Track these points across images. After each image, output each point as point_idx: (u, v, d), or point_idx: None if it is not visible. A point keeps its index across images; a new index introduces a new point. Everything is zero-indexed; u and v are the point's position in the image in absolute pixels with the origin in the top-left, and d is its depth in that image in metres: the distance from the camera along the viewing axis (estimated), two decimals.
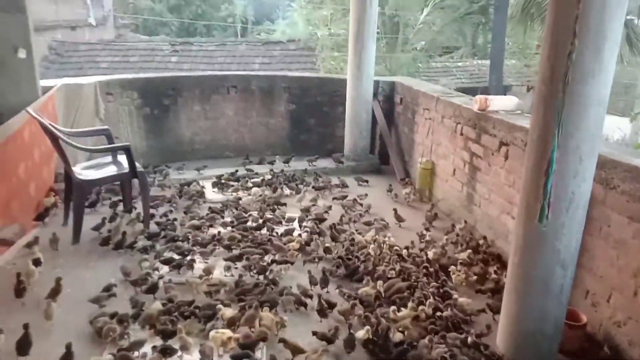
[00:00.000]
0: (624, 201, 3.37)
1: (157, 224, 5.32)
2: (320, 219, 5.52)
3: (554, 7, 2.90)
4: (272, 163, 7.63)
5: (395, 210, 5.82)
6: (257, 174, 7.07)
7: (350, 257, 4.68)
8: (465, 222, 5.50)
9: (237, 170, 7.07)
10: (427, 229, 5.49)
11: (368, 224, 5.53)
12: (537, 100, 3.05)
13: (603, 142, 3.32)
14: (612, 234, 3.50)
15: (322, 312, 3.78)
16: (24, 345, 3.18)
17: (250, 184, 6.66)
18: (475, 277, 4.41)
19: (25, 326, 3.23)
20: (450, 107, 5.95)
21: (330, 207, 5.91)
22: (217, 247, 4.80)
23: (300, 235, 5.14)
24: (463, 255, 4.74)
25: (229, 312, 3.65)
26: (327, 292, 4.15)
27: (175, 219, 5.44)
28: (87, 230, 5.03)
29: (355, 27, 7.33)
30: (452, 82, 17.59)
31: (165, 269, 4.40)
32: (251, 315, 3.56)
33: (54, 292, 3.82)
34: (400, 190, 6.64)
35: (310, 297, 4.00)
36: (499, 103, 5.26)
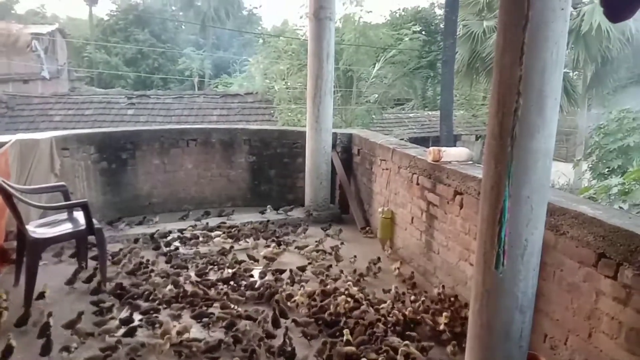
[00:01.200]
0: (574, 246, 3.56)
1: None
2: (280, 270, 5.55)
3: (499, 68, 3.15)
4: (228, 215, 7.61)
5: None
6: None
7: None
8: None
9: (195, 225, 7.01)
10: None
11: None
12: (488, 154, 3.24)
13: (551, 189, 3.53)
14: (565, 278, 3.66)
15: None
16: None
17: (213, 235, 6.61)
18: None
19: None
20: (406, 158, 6.18)
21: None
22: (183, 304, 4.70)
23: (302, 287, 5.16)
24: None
25: None
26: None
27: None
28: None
29: (312, 82, 7.59)
30: (404, 132, 18.32)
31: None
32: None
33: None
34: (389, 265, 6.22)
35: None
36: (451, 154, 5.51)
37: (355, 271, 5.66)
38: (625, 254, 3.17)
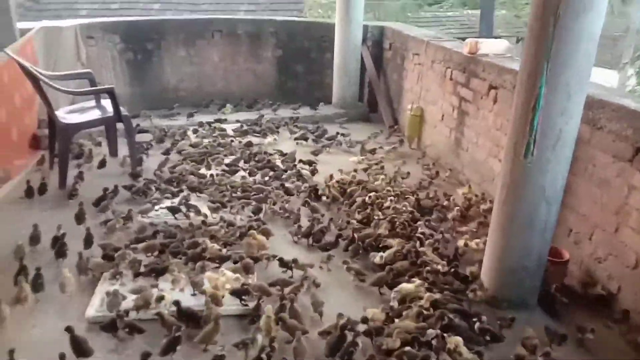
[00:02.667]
0: (610, 141, 3.41)
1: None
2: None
3: None
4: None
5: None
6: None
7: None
8: (450, 170, 5.58)
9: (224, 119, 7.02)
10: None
11: None
12: (529, 36, 3.00)
13: (591, 83, 3.30)
14: (596, 173, 3.55)
15: None
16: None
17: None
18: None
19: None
20: (441, 51, 5.88)
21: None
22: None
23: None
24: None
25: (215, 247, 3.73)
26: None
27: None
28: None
29: None
30: (442, 32, 17.34)
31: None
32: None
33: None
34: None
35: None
36: (489, 46, 5.20)
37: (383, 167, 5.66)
38: None
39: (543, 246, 3.31)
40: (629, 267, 3.29)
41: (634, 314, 3.25)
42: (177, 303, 3.09)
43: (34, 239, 3.80)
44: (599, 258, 3.56)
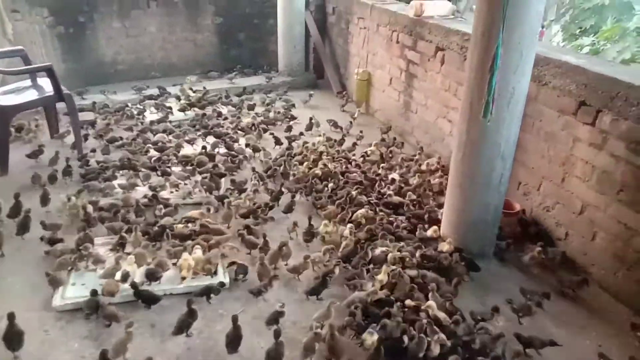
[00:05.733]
0: (555, 96, 3.62)
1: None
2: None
3: None
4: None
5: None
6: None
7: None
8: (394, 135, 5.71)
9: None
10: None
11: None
12: None
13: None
14: (543, 127, 3.77)
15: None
16: None
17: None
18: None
19: None
20: (386, 14, 5.91)
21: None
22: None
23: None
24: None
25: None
26: None
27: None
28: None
29: None
30: None
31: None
32: None
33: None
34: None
35: None
36: (433, 8, 5.29)
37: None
38: (606, 101, 3.24)
39: (499, 200, 3.51)
40: (575, 213, 3.56)
41: (580, 255, 3.55)
42: (134, 285, 3.06)
43: None
44: (547, 207, 3.82)
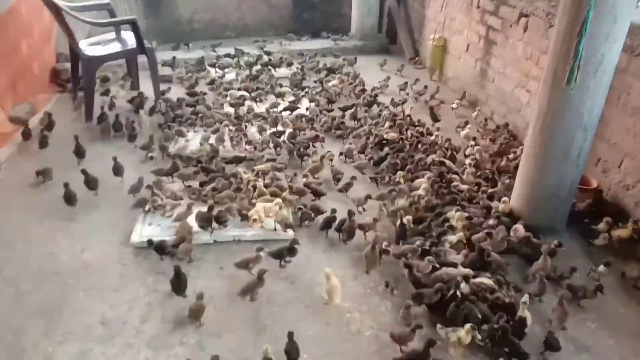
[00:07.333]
0: None
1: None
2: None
3: None
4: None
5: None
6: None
7: None
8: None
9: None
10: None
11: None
12: None
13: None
14: (630, 102, 3.53)
15: None
16: None
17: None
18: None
19: None
20: None
21: None
22: None
23: None
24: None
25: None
26: None
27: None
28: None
29: None
30: None
31: None
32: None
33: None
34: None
35: None
36: None
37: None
38: None
39: (576, 174, 3.36)
40: None
41: None
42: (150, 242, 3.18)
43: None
44: (627, 185, 3.61)
